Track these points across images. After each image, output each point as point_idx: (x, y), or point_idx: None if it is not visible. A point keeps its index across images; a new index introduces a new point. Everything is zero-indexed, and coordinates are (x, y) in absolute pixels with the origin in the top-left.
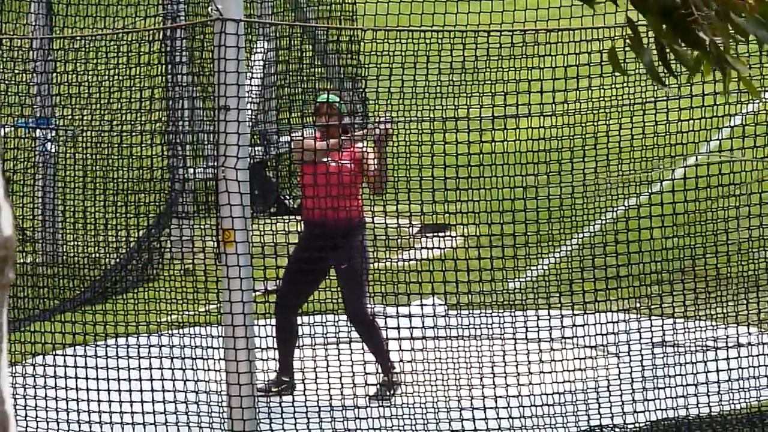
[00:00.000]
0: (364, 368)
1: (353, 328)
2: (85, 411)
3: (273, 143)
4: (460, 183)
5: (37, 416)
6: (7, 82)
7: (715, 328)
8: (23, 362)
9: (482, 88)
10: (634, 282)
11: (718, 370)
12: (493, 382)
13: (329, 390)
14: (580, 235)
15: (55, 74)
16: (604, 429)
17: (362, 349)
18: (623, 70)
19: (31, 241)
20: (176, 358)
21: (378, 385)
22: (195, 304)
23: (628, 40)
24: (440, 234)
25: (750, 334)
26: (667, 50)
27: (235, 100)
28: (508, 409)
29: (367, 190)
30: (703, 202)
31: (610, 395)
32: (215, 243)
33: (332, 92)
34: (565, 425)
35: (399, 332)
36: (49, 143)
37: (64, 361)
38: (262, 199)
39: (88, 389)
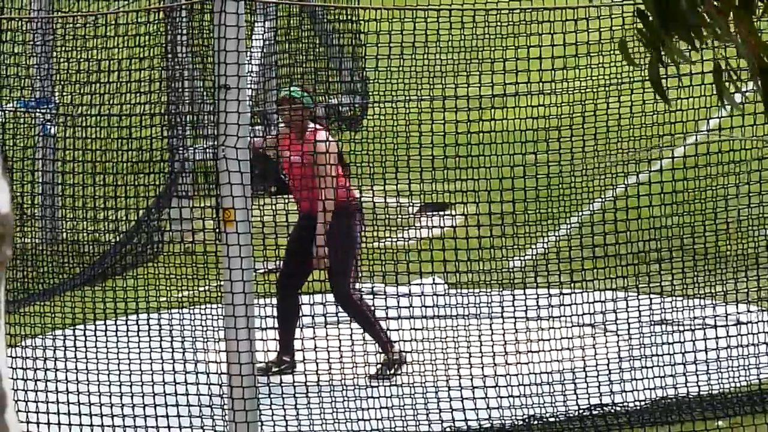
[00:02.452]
0: (365, 348)
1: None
2: (84, 392)
3: (273, 123)
4: (460, 162)
5: (36, 396)
6: (7, 62)
7: (715, 305)
8: (23, 343)
9: (482, 67)
10: (634, 260)
11: (718, 348)
12: (494, 360)
13: (329, 370)
14: (581, 214)
15: (55, 54)
16: (604, 407)
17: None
18: (632, 61)
19: (31, 221)
20: (176, 338)
21: (379, 365)
22: (195, 283)
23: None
24: (441, 213)
25: (750, 311)
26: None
27: (235, 79)
28: (509, 387)
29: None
30: (702, 181)
31: (610, 373)
32: (215, 222)
33: (296, 85)
34: (565, 403)
35: (399, 311)
36: (49, 123)
37: (64, 341)
38: (262, 179)
39: (87, 369)
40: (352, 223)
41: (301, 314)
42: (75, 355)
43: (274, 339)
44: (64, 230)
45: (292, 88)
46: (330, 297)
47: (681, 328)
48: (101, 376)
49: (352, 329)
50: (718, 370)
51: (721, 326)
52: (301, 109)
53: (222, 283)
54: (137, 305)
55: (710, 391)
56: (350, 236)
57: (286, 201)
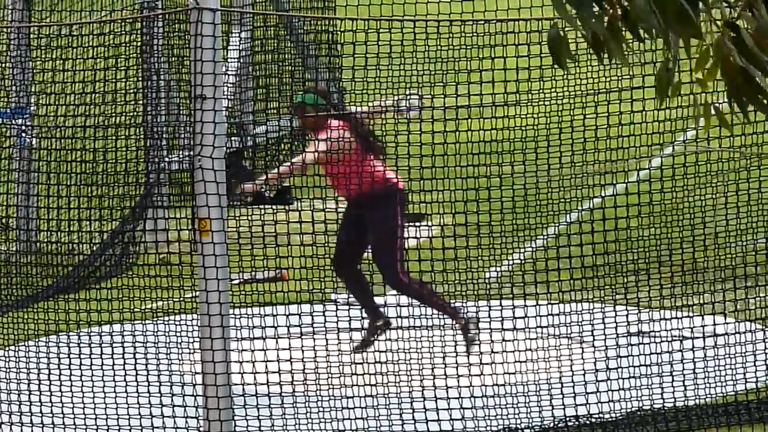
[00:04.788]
0: (340, 358)
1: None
2: (58, 403)
3: (249, 133)
4: (437, 172)
5: (10, 406)
6: None
7: (692, 317)
8: None
9: (459, 78)
10: (611, 272)
11: (694, 360)
12: (469, 371)
13: (305, 380)
14: (557, 225)
15: (32, 64)
16: (579, 419)
17: (349, 338)
18: (563, 64)
19: (7, 230)
20: (151, 347)
21: (362, 340)
22: (171, 293)
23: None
24: (417, 223)
25: (726, 323)
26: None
27: (211, 89)
28: (484, 398)
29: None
30: (679, 192)
31: (586, 385)
32: (191, 232)
33: (305, 91)
34: (540, 415)
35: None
36: (24, 134)
37: (36, 351)
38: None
39: (60, 380)
40: (391, 206)
41: (368, 281)
42: (48, 365)
43: (250, 349)
44: (38, 240)
45: (306, 96)
46: (305, 308)
47: (657, 339)
48: (74, 386)
49: (327, 340)
50: (695, 381)
51: (698, 338)
52: (317, 110)
53: (197, 293)
54: (111, 316)
55: (686, 403)
56: (391, 220)
57: (262, 211)
